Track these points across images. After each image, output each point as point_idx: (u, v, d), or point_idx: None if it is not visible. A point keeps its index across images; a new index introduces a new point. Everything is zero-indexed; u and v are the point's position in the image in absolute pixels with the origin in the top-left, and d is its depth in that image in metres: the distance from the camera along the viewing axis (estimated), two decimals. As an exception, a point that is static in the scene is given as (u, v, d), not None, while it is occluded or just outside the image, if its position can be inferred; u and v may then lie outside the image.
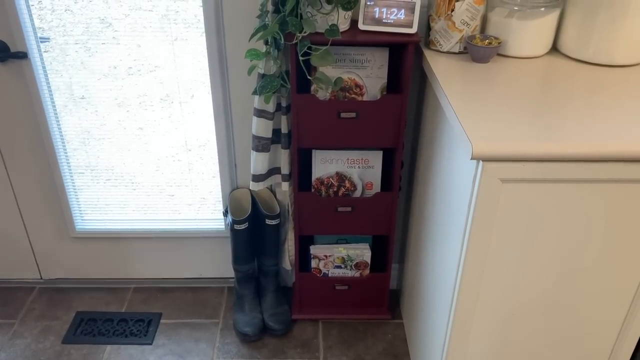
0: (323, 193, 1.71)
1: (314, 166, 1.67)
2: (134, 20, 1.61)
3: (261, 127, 1.60)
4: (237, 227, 1.78)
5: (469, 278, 1.20)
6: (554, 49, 1.50)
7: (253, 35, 1.43)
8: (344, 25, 1.42)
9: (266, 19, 1.43)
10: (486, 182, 1.07)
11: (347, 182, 1.69)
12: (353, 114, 1.53)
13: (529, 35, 1.42)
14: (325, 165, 1.67)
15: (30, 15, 1.60)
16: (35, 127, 1.77)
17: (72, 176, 1.88)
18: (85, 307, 2.00)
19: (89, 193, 1.92)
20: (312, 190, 1.70)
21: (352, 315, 1.94)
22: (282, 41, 1.40)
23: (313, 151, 1.64)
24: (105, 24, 1.61)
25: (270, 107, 1.57)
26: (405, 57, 1.46)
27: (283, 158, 1.67)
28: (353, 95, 1.57)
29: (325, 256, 1.82)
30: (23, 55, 1.62)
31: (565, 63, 1.42)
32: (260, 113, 1.58)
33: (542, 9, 1.40)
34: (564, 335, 1.31)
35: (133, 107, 1.76)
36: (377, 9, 1.39)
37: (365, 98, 1.57)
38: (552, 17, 1.42)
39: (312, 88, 1.56)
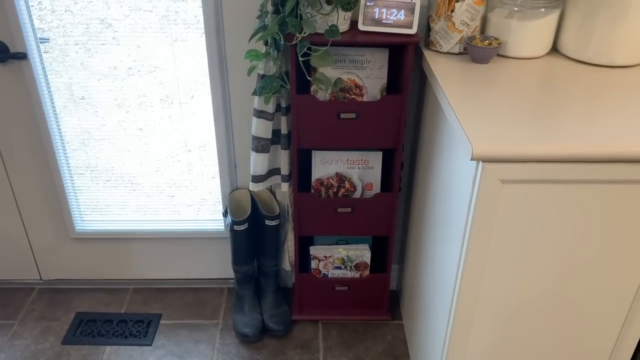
0: (323, 194, 1.71)
1: (313, 167, 1.67)
2: (134, 21, 1.61)
3: (261, 128, 1.60)
4: (236, 227, 1.78)
5: (469, 279, 1.20)
6: (554, 49, 1.50)
7: (253, 35, 1.43)
8: (343, 26, 1.42)
9: (266, 20, 1.43)
10: (486, 183, 1.07)
11: (346, 182, 1.69)
12: (353, 115, 1.53)
13: (529, 35, 1.42)
14: (325, 166, 1.67)
15: (30, 16, 1.60)
16: (34, 127, 1.77)
17: (71, 177, 1.88)
18: (84, 308, 1.99)
19: (88, 194, 1.92)
20: (312, 191, 1.70)
21: (352, 316, 1.93)
22: (282, 42, 1.40)
23: (313, 152, 1.64)
24: (105, 24, 1.61)
25: (270, 108, 1.57)
26: (405, 57, 1.46)
27: (283, 159, 1.67)
28: (353, 96, 1.57)
29: (325, 257, 1.82)
30: (23, 56, 1.62)
31: (565, 64, 1.42)
32: (260, 114, 1.58)
33: (542, 9, 1.40)
34: (564, 336, 1.31)
35: (133, 108, 1.76)
36: (376, 10, 1.39)
37: (365, 99, 1.57)
38: (552, 18, 1.42)
39: (312, 89, 1.56)
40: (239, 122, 1.75)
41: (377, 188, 1.71)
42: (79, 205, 1.94)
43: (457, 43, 1.44)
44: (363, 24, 1.41)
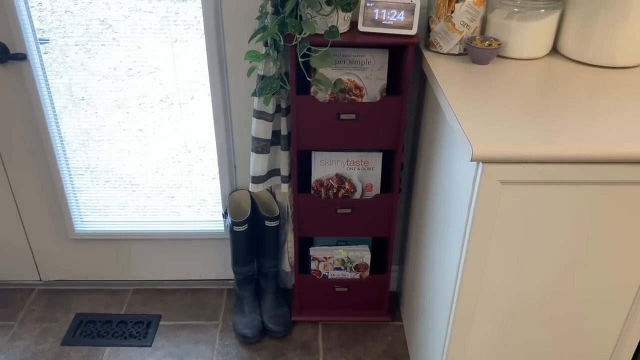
0: (323, 195, 1.71)
1: (313, 168, 1.67)
2: (134, 22, 1.61)
3: (261, 129, 1.60)
4: (236, 228, 1.78)
5: (469, 280, 1.20)
6: (554, 50, 1.50)
7: (252, 36, 1.43)
8: (343, 27, 1.42)
9: (266, 21, 1.43)
10: (486, 184, 1.07)
11: (346, 183, 1.69)
12: (353, 116, 1.53)
13: (529, 36, 1.42)
14: (325, 166, 1.67)
15: (30, 17, 1.60)
16: (34, 128, 1.77)
17: (71, 178, 1.88)
18: (84, 308, 1.99)
19: (88, 194, 1.92)
20: (312, 191, 1.70)
21: (351, 317, 1.93)
22: (282, 43, 1.40)
23: (313, 153, 1.64)
24: (105, 25, 1.61)
25: (270, 109, 1.57)
26: (405, 58, 1.46)
27: (282, 160, 1.67)
28: (353, 97, 1.57)
29: (325, 258, 1.82)
30: (22, 57, 1.62)
31: (565, 65, 1.42)
32: (259, 114, 1.57)
33: (542, 10, 1.40)
34: (564, 337, 1.31)
35: (133, 109, 1.75)
36: (376, 11, 1.39)
37: (365, 99, 1.57)
38: (552, 19, 1.42)
39: (312, 90, 1.56)
40: (239, 123, 1.75)
41: (377, 189, 1.71)
42: (78, 206, 1.94)
43: (457, 44, 1.44)
44: (363, 24, 1.41)
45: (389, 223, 1.73)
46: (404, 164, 1.79)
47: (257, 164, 1.65)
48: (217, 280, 2.09)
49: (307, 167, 1.68)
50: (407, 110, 1.54)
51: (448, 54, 1.47)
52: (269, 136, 1.62)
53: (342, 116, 1.53)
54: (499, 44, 1.41)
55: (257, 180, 1.69)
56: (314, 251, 1.81)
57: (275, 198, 1.85)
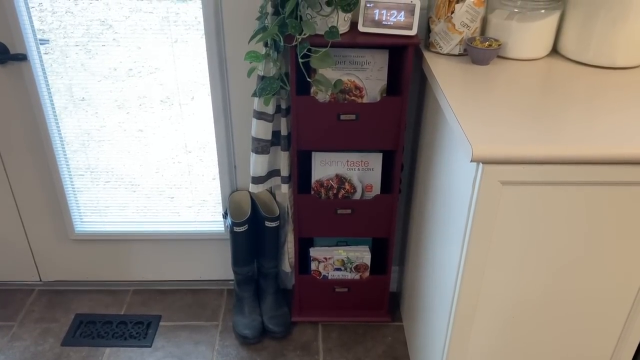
0: (323, 195, 1.71)
1: (313, 168, 1.67)
2: (135, 22, 1.61)
3: (261, 129, 1.60)
4: (236, 229, 1.78)
5: (469, 280, 1.20)
6: (554, 51, 1.50)
7: (253, 37, 1.43)
8: (343, 27, 1.42)
9: (266, 21, 1.43)
10: (486, 185, 1.07)
11: (347, 184, 1.69)
12: (353, 116, 1.53)
13: (529, 37, 1.42)
14: (325, 167, 1.66)
15: (30, 17, 1.60)
16: (34, 128, 1.77)
17: (71, 178, 1.88)
18: (84, 309, 1.99)
19: (88, 195, 1.92)
20: (312, 192, 1.70)
21: (351, 317, 1.93)
22: (282, 43, 1.40)
23: (313, 153, 1.64)
24: (106, 25, 1.61)
25: (270, 109, 1.57)
26: (405, 59, 1.46)
27: (283, 160, 1.67)
28: (353, 98, 1.57)
29: (325, 258, 1.82)
30: (22, 57, 1.62)
31: (565, 65, 1.42)
32: (259, 115, 1.57)
33: (542, 10, 1.40)
34: (565, 338, 1.30)
35: (133, 109, 1.76)
36: (376, 11, 1.39)
37: (365, 100, 1.57)
38: (552, 19, 1.42)
39: (312, 90, 1.56)
40: (239, 123, 1.75)
41: (377, 189, 1.71)
42: (78, 207, 1.94)
43: (457, 44, 1.44)
44: (363, 25, 1.41)
45: (389, 224, 1.73)
46: (404, 164, 1.79)
47: (257, 164, 1.65)
48: (217, 281, 2.09)
49: (307, 168, 1.68)
50: (407, 110, 1.54)
51: (448, 54, 1.47)
52: (269, 137, 1.62)
53: (342, 117, 1.53)
54: (499, 45, 1.41)
55: (257, 180, 1.69)
56: (314, 252, 1.81)
57: (275, 198, 1.85)
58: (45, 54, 1.66)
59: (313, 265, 1.83)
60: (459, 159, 1.20)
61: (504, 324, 1.27)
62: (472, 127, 1.09)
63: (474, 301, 1.23)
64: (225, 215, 1.88)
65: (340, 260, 1.82)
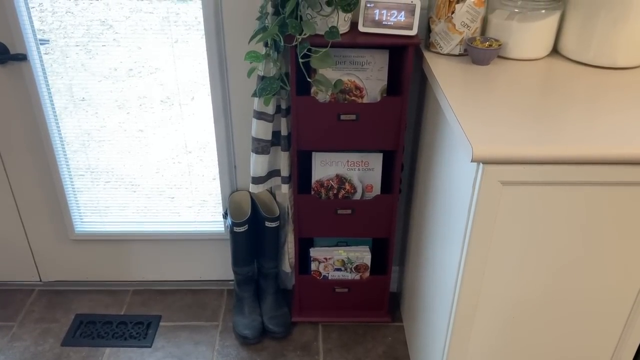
0: (323, 195, 1.70)
1: (313, 168, 1.67)
2: (135, 23, 1.61)
3: (261, 129, 1.60)
4: (236, 229, 1.78)
5: (469, 281, 1.19)
6: (555, 51, 1.50)
7: (253, 37, 1.43)
8: (343, 28, 1.42)
9: (266, 21, 1.43)
10: (486, 185, 1.07)
11: (347, 184, 1.69)
12: (353, 116, 1.53)
13: (529, 37, 1.42)
14: (325, 167, 1.66)
15: (30, 18, 1.60)
16: (34, 129, 1.77)
17: (71, 178, 1.88)
18: (84, 309, 1.99)
19: (88, 195, 1.92)
20: (312, 192, 1.70)
21: (352, 318, 1.93)
22: (282, 43, 1.40)
23: (313, 153, 1.64)
24: (106, 26, 1.61)
25: (270, 109, 1.57)
26: (406, 59, 1.46)
27: (283, 160, 1.67)
28: (353, 98, 1.57)
29: (325, 259, 1.82)
30: (22, 58, 1.62)
31: (566, 65, 1.42)
32: (259, 115, 1.57)
33: (543, 11, 1.40)
34: (565, 338, 1.30)
35: (133, 109, 1.76)
36: (377, 11, 1.39)
37: (365, 100, 1.57)
38: (552, 19, 1.41)
39: (312, 90, 1.56)
40: (239, 123, 1.75)
41: (377, 190, 1.71)
42: (78, 207, 1.94)
43: (457, 44, 1.44)
44: (363, 25, 1.41)
45: (390, 224, 1.72)
46: (404, 164, 1.79)
47: (257, 164, 1.65)
48: (217, 281, 2.09)
49: (307, 168, 1.68)
50: (407, 111, 1.54)
51: (448, 54, 1.47)
52: (269, 137, 1.62)
53: (343, 117, 1.53)
54: (499, 45, 1.41)
55: (257, 181, 1.69)
56: (314, 252, 1.81)
57: (275, 199, 1.85)
58: (46, 54, 1.66)
59: (313, 266, 1.83)
60: (459, 159, 1.20)
61: (504, 324, 1.27)
62: (473, 127, 1.09)
63: (474, 301, 1.23)
64: (225, 216, 1.88)
65: (340, 260, 1.82)
